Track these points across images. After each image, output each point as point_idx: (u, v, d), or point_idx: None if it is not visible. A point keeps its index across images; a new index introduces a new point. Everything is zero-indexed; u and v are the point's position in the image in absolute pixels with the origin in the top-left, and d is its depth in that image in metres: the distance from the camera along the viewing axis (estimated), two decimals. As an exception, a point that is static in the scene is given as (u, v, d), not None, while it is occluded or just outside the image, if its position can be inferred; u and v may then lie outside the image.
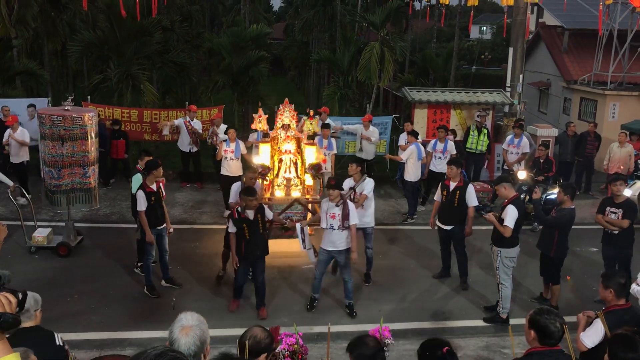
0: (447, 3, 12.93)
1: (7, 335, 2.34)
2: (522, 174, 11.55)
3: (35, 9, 17.22)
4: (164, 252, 8.46)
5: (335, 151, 12.28)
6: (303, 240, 8.31)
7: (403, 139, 13.23)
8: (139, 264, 8.90)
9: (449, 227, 8.83)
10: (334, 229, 7.64)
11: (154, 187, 8.16)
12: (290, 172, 10.12)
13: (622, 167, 12.88)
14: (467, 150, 13.51)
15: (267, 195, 10.04)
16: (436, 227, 9.10)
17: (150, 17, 15.82)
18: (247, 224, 7.41)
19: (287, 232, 9.45)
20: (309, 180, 10.25)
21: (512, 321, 7.73)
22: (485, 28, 57.57)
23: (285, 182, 10.05)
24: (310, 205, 10.04)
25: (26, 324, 3.96)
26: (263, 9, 38.13)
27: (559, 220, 7.90)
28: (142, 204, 8.00)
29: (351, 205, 7.74)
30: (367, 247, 8.94)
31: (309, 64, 32.19)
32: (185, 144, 13.65)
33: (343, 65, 19.72)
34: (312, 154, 10.18)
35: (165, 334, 3.22)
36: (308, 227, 8.59)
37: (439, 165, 12.03)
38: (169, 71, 20.10)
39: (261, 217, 7.54)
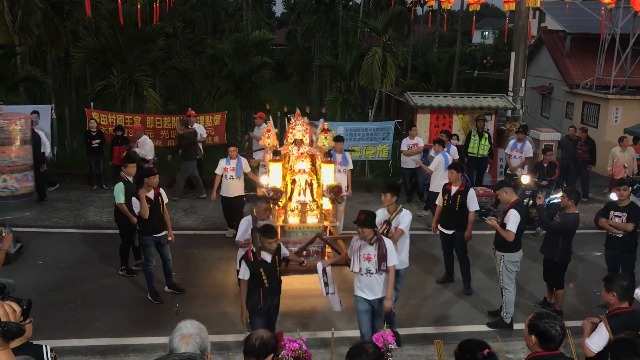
0: (449, 8, 12.93)
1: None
2: (525, 179, 11.54)
3: (38, 16, 17.26)
4: (166, 260, 8.47)
5: (351, 167, 11.17)
6: (326, 284, 6.79)
7: (406, 144, 13.23)
8: (123, 268, 9.23)
9: (450, 232, 8.83)
10: (372, 273, 6.33)
11: (150, 195, 8.16)
12: (305, 195, 8.71)
13: (626, 165, 12.85)
14: (468, 154, 13.54)
15: (280, 222, 8.52)
16: (438, 232, 9.09)
17: (152, 23, 15.88)
18: (265, 269, 6.12)
19: (302, 266, 7.85)
20: (327, 204, 8.78)
21: (516, 326, 7.71)
22: (487, 33, 57.62)
23: (299, 206, 8.62)
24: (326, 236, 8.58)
25: (13, 343, 3.61)
26: (265, 15, 38.30)
27: (564, 225, 7.89)
28: (137, 209, 8.11)
29: (388, 242, 6.39)
30: (395, 288, 7.19)
31: (311, 69, 32.29)
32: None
33: (345, 71, 19.75)
34: (329, 174, 8.84)
35: (167, 339, 3.22)
36: (330, 267, 7.00)
37: None
38: (172, 77, 20.19)
39: (278, 259, 6.31)
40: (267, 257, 6.14)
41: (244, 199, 10.88)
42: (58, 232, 11.02)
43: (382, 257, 6.23)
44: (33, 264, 9.40)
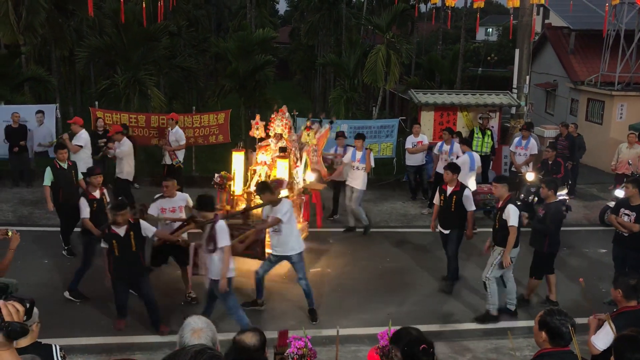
0: (452, 5, 12.91)
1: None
2: (530, 176, 11.53)
3: (43, 16, 17.35)
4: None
5: (372, 165, 11.30)
6: (195, 265, 7.21)
7: (410, 142, 13.22)
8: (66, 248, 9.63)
9: (447, 232, 8.80)
10: (205, 253, 6.92)
11: (96, 194, 8.22)
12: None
13: (631, 162, 12.77)
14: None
15: (228, 207, 9.28)
16: (438, 230, 9.07)
17: (156, 22, 15.91)
18: (117, 241, 6.85)
19: (247, 250, 8.16)
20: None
21: (521, 323, 7.71)
22: (491, 30, 57.47)
23: (245, 194, 9.24)
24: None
25: (23, 342, 3.57)
26: (269, 13, 38.19)
27: (554, 217, 8.00)
28: (84, 212, 7.98)
29: (220, 225, 6.80)
30: (299, 279, 7.81)
31: (315, 67, 32.26)
32: (165, 156, 12.78)
33: (349, 69, 19.75)
34: (282, 169, 9.29)
35: (173, 338, 3.25)
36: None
37: None
38: (176, 76, 20.22)
39: (134, 234, 6.92)
40: (119, 230, 6.83)
41: None
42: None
43: (210, 237, 6.72)
44: (39, 263, 9.43)
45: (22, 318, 2.43)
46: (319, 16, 31.07)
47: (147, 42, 16.59)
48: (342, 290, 8.78)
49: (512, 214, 7.60)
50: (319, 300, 8.37)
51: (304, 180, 10.34)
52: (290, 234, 7.62)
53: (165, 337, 7.13)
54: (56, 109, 14.77)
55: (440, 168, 12.26)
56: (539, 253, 8.25)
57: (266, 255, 8.27)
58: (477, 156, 11.60)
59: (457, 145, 12.31)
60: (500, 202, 7.90)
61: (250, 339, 3.53)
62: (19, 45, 17.53)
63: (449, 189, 8.71)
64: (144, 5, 11.77)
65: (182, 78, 20.72)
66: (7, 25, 16.62)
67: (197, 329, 3.13)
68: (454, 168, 8.84)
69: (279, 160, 9.23)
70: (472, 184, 11.31)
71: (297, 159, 10.04)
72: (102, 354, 6.88)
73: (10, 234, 5.97)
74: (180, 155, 12.71)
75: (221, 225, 6.79)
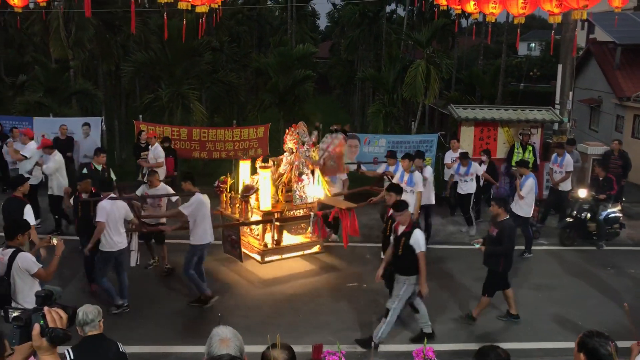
0: (493, 21, 12.75)
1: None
2: (582, 193, 11.30)
3: (91, 32, 17.94)
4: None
5: (420, 189, 10.43)
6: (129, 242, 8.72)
7: (449, 157, 13.11)
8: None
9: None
10: None
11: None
12: None
13: None
14: (512, 167, 13.29)
15: (222, 207, 10.42)
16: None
17: (199, 38, 16.25)
18: (82, 204, 8.83)
19: (234, 250, 9.31)
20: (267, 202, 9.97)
21: (560, 344, 7.50)
22: (533, 45, 56.63)
23: (231, 199, 10.29)
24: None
25: (92, 332, 4.50)
26: (309, 28, 38.58)
27: (510, 235, 7.96)
28: (31, 218, 7.96)
29: (100, 204, 8.00)
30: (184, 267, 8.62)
31: (354, 82, 32.37)
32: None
33: (388, 83, 19.74)
34: (263, 178, 9.90)
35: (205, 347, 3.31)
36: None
37: (465, 187, 12.14)
38: (218, 90, 20.55)
39: (94, 201, 8.48)
40: (84, 196, 8.88)
41: None
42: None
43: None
44: (76, 272, 9.64)
45: (65, 325, 2.52)
46: (359, 31, 31.22)
47: (190, 58, 16.95)
48: (377, 306, 8.71)
49: (420, 240, 7.27)
50: (354, 316, 8.35)
51: (317, 197, 10.34)
52: (194, 227, 8.42)
53: (202, 348, 7.19)
54: (102, 122, 15.21)
55: (460, 188, 12.30)
56: (494, 272, 8.11)
57: (243, 255, 9.38)
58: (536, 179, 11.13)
59: (475, 166, 12.17)
60: (405, 227, 7.39)
61: (279, 354, 3.49)
62: (68, 60, 18.17)
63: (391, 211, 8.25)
64: (184, 22, 11.99)
65: (224, 92, 21.03)
66: (58, 41, 17.27)
67: (225, 339, 3.17)
68: (397, 190, 8.61)
69: (260, 170, 10.02)
70: (530, 209, 10.84)
71: (300, 174, 10.14)
72: (139, 362, 6.99)
73: (54, 241, 6.17)
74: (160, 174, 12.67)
75: (101, 205, 8.00)
